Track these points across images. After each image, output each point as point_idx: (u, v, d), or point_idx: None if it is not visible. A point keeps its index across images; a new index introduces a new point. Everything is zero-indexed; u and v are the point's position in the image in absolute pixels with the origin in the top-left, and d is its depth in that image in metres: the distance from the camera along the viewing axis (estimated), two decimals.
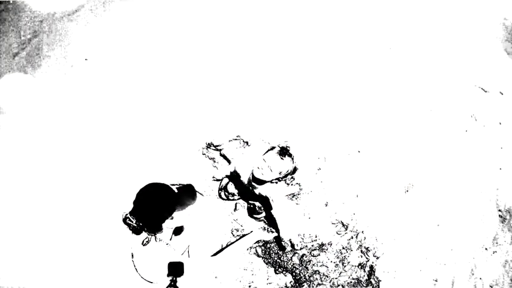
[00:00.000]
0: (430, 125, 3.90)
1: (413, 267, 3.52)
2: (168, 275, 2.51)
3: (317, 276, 3.44)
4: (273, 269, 3.50)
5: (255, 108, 3.89)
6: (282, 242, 3.42)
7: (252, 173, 2.97)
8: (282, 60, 4.11)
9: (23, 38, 4.11)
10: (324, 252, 3.48)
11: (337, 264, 3.47)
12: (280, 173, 2.89)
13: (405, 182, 3.71)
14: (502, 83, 4.09)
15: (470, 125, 3.91)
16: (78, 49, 4.11)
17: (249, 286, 3.46)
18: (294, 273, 3.46)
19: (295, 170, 2.99)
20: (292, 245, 3.43)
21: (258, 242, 3.54)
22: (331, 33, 4.24)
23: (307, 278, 3.43)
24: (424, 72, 4.11)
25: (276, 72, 4.05)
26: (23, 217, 3.62)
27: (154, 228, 2.27)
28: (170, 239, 2.58)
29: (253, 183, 3.12)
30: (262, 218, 3.51)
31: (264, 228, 3.53)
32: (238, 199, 3.57)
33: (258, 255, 3.52)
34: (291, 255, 3.48)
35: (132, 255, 2.53)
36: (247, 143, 3.70)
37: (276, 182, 3.04)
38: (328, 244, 3.49)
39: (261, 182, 3.02)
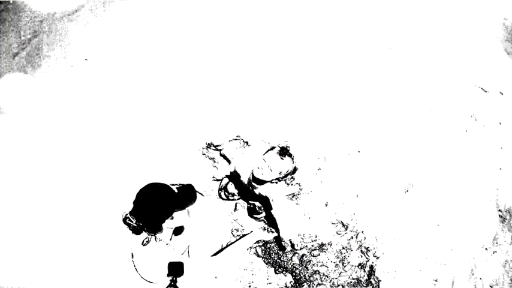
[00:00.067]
0: (430, 125, 3.90)
1: (413, 267, 3.52)
2: (168, 275, 2.52)
3: (317, 276, 3.44)
4: (273, 269, 3.51)
5: (255, 108, 3.89)
6: (282, 242, 3.42)
7: (252, 173, 2.96)
8: (282, 60, 4.11)
9: (23, 38, 4.11)
10: (324, 252, 3.48)
11: (337, 264, 3.47)
12: (280, 173, 2.88)
13: (405, 182, 3.71)
14: (502, 83, 4.09)
15: (470, 125, 3.91)
16: (78, 49, 4.11)
17: (249, 286, 3.46)
18: (294, 273, 3.47)
19: (295, 170, 2.99)
20: (292, 245, 3.43)
21: (258, 242, 3.54)
22: (331, 33, 4.24)
23: (307, 278, 3.44)
24: (424, 72, 4.11)
25: (276, 72, 4.05)
26: (23, 217, 3.62)
27: (154, 228, 2.28)
28: (170, 239, 2.58)
29: (253, 183, 3.11)
30: (262, 218, 3.51)
31: (264, 228, 3.53)
32: (238, 199, 3.57)
33: (258, 255, 3.53)
34: (291, 255, 3.48)
35: (132, 255, 2.54)
36: (247, 143, 3.70)
37: (276, 182, 3.03)
38: (328, 244, 3.49)
39: (261, 182, 3.02)
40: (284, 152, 2.85)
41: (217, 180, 3.56)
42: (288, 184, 3.45)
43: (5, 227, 3.59)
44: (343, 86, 4.02)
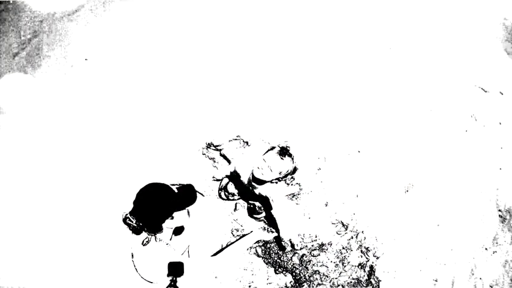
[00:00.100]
0: (430, 125, 3.90)
1: (413, 267, 3.52)
2: (168, 275, 2.52)
3: (317, 276, 3.44)
4: (273, 269, 3.51)
5: (255, 108, 3.89)
6: (282, 242, 3.43)
7: (252, 173, 2.96)
8: (282, 60, 4.11)
9: (23, 38, 4.11)
10: (324, 252, 3.48)
11: (337, 264, 3.47)
12: (280, 173, 2.88)
13: (405, 182, 3.71)
14: (502, 83, 4.09)
15: (470, 125, 3.91)
16: (78, 49, 4.11)
17: (249, 286, 3.46)
18: (294, 273, 3.47)
19: (295, 170, 2.99)
20: (292, 245, 3.43)
21: (258, 242, 3.54)
22: (331, 34, 4.24)
23: (307, 278, 3.44)
24: (424, 72, 4.11)
25: (276, 72, 4.06)
26: (23, 217, 3.62)
27: (155, 228, 2.28)
28: (170, 239, 2.58)
29: (253, 183, 3.11)
30: (262, 218, 3.51)
31: (264, 228, 3.53)
32: (238, 199, 3.57)
33: (258, 255, 3.53)
34: (291, 255, 3.48)
35: (132, 255, 2.54)
36: (247, 143, 3.70)
37: (276, 182, 3.03)
38: (328, 244, 3.49)
39: (261, 182, 3.02)
40: (284, 152, 2.85)
41: (217, 180, 3.56)
42: (288, 184, 3.45)
43: (5, 227, 3.59)
44: (343, 86, 4.02)
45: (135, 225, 2.16)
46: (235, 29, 4.21)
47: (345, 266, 3.48)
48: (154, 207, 2.20)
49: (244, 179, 3.20)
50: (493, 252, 3.61)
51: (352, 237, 3.53)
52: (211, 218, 3.39)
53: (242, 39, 4.18)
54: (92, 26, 4.17)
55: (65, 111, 3.93)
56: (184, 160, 3.73)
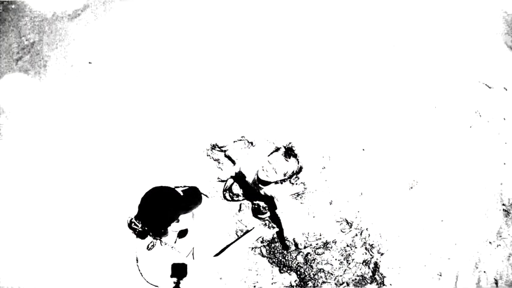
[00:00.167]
0: (435, 121, 3.90)
1: (418, 262, 3.53)
2: (171, 276, 2.51)
3: (322, 274, 3.45)
4: (277, 268, 3.51)
5: (260, 108, 3.89)
6: (286, 242, 3.43)
7: (257, 174, 2.94)
8: (287, 60, 4.11)
9: (23, 38, 4.09)
10: (328, 250, 3.49)
11: (341, 262, 3.48)
12: (285, 174, 2.86)
13: (409, 179, 3.71)
14: (506, 79, 4.08)
15: (474, 120, 3.91)
16: (78, 49, 4.09)
17: (254, 286, 3.47)
18: (298, 272, 3.47)
19: (300, 169, 2.97)
20: (296, 245, 3.43)
21: (262, 242, 3.55)
22: (334, 33, 4.23)
23: (312, 276, 3.44)
24: (427, 70, 4.10)
25: (280, 73, 4.05)
26: (25, 218, 3.62)
27: (160, 232, 2.27)
28: (175, 242, 2.57)
29: (258, 184, 3.10)
30: (267, 218, 3.51)
31: (265, 224, 3.53)
32: (242, 200, 3.57)
33: (263, 255, 3.53)
34: (295, 254, 3.49)
35: (137, 260, 2.53)
36: (251, 143, 3.70)
37: (281, 183, 3.02)
38: (333, 242, 3.49)
39: (266, 183, 3.00)
40: (289, 153, 2.83)
41: (222, 181, 3.55)
42: (292, 183, 3.44)
43: (6, 228, 3.60)
44: (347, 85, 4.02)
45: (140, 229, 2.15)
46: (240, 31, 4.20)
47: (349, 264, 3.48)
48: (160, 211, 2.18)
49: (249, 179, 3.18)
50: (497, 246, 3.62)
51: (356, 235, 3.54)
52: (215, 219, 3.40)
53: (246, 41, 4.18)
54: (92, 26, 4.15)
55: (67, 112, 3.91)
56: (189, 162, 3.73)
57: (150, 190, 2.25)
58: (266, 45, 4.17)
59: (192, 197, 2.43)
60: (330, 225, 3.53)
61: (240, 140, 3.72)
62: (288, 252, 3.49)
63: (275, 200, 3.08)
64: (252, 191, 3.32)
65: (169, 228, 2.30)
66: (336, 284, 3.44)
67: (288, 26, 4.24)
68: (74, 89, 3.99)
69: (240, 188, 3.50)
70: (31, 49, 4.07)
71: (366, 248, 3.52)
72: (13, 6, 4.12)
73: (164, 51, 4.14)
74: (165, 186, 2.28)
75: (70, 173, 3.73)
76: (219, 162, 3.74)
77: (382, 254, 3.52)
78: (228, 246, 2.96)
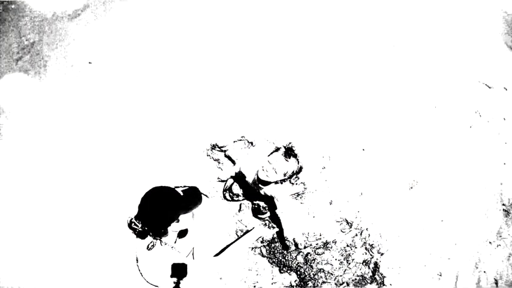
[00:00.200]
0: (435, 121, 3.90)
1: (418, 262, 3.54)
2: (171, 276, 2.51)
3: (322, 274, 3.45)
4: (277, 268, 3.51)
5: (259, 108, 3.89)
6: (286, 242, 3.43)
7: (257, 174, 2.94)
8: (287, 60, 4.11)
9: (23, 38, 4.09)
10: (328, 250, 3.49)
11: (341, 262, 3.48)
12: (285, 174, 2.86)
13: (409, 179, 3.71)
14: (506, 79, 4.08)
15: (474, 120, 3.92)
16: (78, 49, 4.09)
17: (254, 286, 3.47)
18: (298, 272, 3.47)
19: (300, 169, 2.96)
20: (296, 245, 3.43)
21: (262, 242, 3.55)
22: (334, 33, 4.23)
23: (312, 276, 3.44)
24: (427, 70, 4.10)
25: (280, 73, 4.05)
26: (25, 219, 3.62)
27: (160, 232, 2.27)
28: (175, 242, 2.57)
29: (258, 184, 3.10)
30: (267, 218, 3.51)
31: (265, 224, 3.53)
32: (242, 200, 3.57)
33: (263, 255, 3.53)
34: (295, 254, 3.49)
35: (137, 260, 2.53)
36: (251, 143, 3.70)
37: (281, 183, 3.02)
38: (333, 242, 3.50)
39: (266, 183, 3.00)
40: (289, 153, 2.82)
41: (222, 181, 3.55)
42: (292, 183, 3.44)
43: (6, 228, 3.60)
44: (347, 85, 4.02)
45: (140, 229, 2.14)
46: (240, 30, 4.21)
47: (349, 264, 3.48)
48: (160, 211, 2.18)
49: (249, 179, 3.18)
50: (497, 246, 3.62)
51: (356, 235, 3.54)
52: (215, 219, 3.40)
53: (246, 41, 4.18)
54: (92, 26, 4.15)
55: (67, 112, 3.91)
56: (189, 161, 3.73)
57: (150, 190, 2.24)
58: (266, 45, 4.17)
59: (192, 197, 2.43)
60: (330, 225, 3.53)
61: (240, 140, 3.72)
62: (288, 252, 3.49)
63: (275, 200, 3.08)
64: (252, 191, 3.32)
65: (169, 228, 2.30)
66: (336, 284, 3.45)
67: (288, 26, 4.25)
68: (74, 89, 3.99)
69: (240, 188, 3.50)
70: (31, 49, 4.07)
71: (366, 248, 3.52)
72: (13, 6, 4.12)
73: (164, 51, 4.14)
74: (165, 186, 2.28)
75: (70, 173, 3.73)
76: (219, 162, 3.74)
77: (382, 254, 3.52)
78: (228, 246, 2.96)
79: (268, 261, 3.53)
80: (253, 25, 4.24)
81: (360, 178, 3.69)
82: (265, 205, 3.43)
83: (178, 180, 3.56)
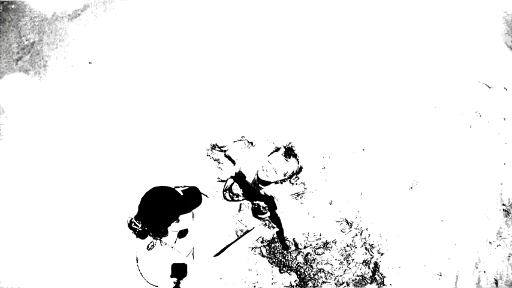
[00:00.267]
0: (435, 121, 3.90)
1: (418, 262, 3.53)
2: (171, 276, 2.51)
3: (322, 274, 3.45)
4: (277, 268, 3.51)
5: (260, 108, 3.89)
6: (286, 242, 3.43)
7: (257, 174, 2.94)
8: (286, 60, 4.11)
9: (23, 38, 4.09)
10: (328, 250, 3.49)
11: (341, 262, 3.48)
12: (285, 174, 2.86)
13: (410, 179, 3.71)
14: (506, 79, 4.09)
15: (474, 121, 3.92)
16: (78, 49, 4.09)
17: (254, 286, 3.47)
18: (298, 272, 3.47)
19: (300, 169, 2.96)
20: (296, 245, 3.44)
21: (262, 242, 3.55)
22: (334, 33, 4.24)
23: (312, 276, 3.44)
24: (427, 70, 4.11)
25: (280, 73, 4.05)
26: (25, 219, 3.62)
27: (161, 232, 2.27)
28: (175, 242, 2.57)
29: (258, 184, 3.10)
30: (267, 218, 3.51)
31: (265, 224, 3.54)
32: (242, 200, 3.57)
33: (263, 255, 3.53)
34: (295, 254, 3.49)
35: (137, 260, 2.53)
36: (251, 143, 3.70)
37: (281, 183, 3.02)
38: (333, 242, 3.50)
39: (266, 183, 3.00)
40: (289, 153, 2.82)
41: (222, 181, 3.55)
42: (292, 183, 3.44)
43: (6, 228, 3.60)
44: (347, 85, 4.02)
45: (140, 229, 2.14)
46: (240, 30, 4.21)
47: (349, 264, 3.48)
48: (161, 211, 2.18)
49: (249, 179, 3.18)
50: (497, 246, 3.62)
51: (356, 235, 3.54)
52: (215, 220, 3.40)
53: (246, 41, 4.18)
54: (92, 26, 4.15)
55: (67, 112, 3.91)
56: (189, 161, 3.73)
57: (150, 190, 2.24)
58: (266, 45, 4.17)
59: (192, 197, 2.42)
60: (330, 225, 3.53)
61: (240, 140, 3.72)
62: (288, 252, 3.49)
63: (275, 200, 3.08)
64: (252, 191, 3.32)
65: (169, 228, 2.30)
66: (336, 284, 3.45)
67: (288, 26, 4.25)
68: (74, 89, 3.99)
69: (240, 188, 3.50)
70: (31, 49, 4.07)
71: (366, 248, 3.52)
72: (13, 6, 4.12)
73: (164, 51, 4.15)
74: (165, 186, 2.28)
75: (70, 173, 3.73)
76: (219, 162, 3.74)
77: (382, 254, 3.52)
78: (228, 246, 2.95)
79: (268, 261, 3.53)
80: (253, 25, 4.24)
81: (360, 178, 3.69)
82: (265, 205, 3.43)
83: (178, 180, 3.56)
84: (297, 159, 2.88)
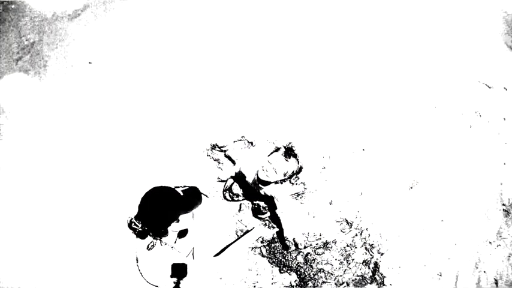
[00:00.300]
0: (435, 121, 3.90)
1: (418, 262, 3.53)
2: (171, 276, 2.51)
3: (322, 274, 3.45)
4: (277, 268, 3.51)
5: (260, 108, 3.89)
6: (286, 242, 3.43)
7: (257, 174, 2.94)
8: (286, 60, 4.11)
9: (23, 38, 4.09)
10: (328, 250, 3.49)
11: (341, 262, 3.48)
12: (285, 175, 2.86)
13: (410, 179, 3.71)
14: (506, 79, 4.08)
15: (474, 121, 3.92)
16: (78, 49, 4.09)
17: (254, 286, 3.47)
18: (298, 272, 3.47)
19: (300, 169, 2.96)
20: (296, 245, 3.43)
21: (262, 242, 3.55)
22: (334, 33, 4.24)
23: (312, 276, 3.44)
24: (427, 70, 4.10)
25: (280, 73, 4.05)
26: (25, 219, 3.62)
27: (161, 232, 2.26)
28: (175, 242, 2.57)
29: (258, 184, 3.10)
30: (267, 218, 3.51)
31: (265, 224, 3.53)
32: (242, 200, 3.57)
33: (263, 255, 3.53)
34: (295, 254, 3.49)
35: (137, 260, 2.52)
36: (251, 143, 3.70)
37: (281, 183, 3.02)
38: (333, 242, 3.50)
39: (266, 183, 3.00)
40: (289, 153, 2.82)
41: (222, 181, 3.55)
42: (292, 184, 3.44)
43: (6, 228, 3.60)
44: (347, 85, 4.02)
45: (140, 229, 2.14)
46: (240, 30, 4.21)
47: (349, 264, 3.48)
48: (161, 211, 2.18)
49: (249, 179, 3.18)
50: (497, 246, 3.62)
51: (356, 235, 3.54)
52: (215, 220, 3.39)
53: (246, 41, 4.18)
54: (92, 26, 4.15)
55: (67, 112, 3.91)
56: (189, 161, 3.73)
57: (150, 190, 2.24)
58: (266, 45, 4.17)
59: (192, 197, 2.43)
60: (330, 225, 3.53)
61: (240, 140, 3.72)
62: (288, 252, 3.49)
63: (275, 200, 3.08)
64: (252, 191, 3.32)
65: (169, 228, 2.30)
66: (336, 284, 3.44)
67: (288, 26, 4.25)
68: (74, 89, 3.99)
69: (240, 188, 3.50)
70: (31, 49, 4.07)
71: (366, 248, 3.52)
72: (13, 6, 4.12)
73: (164, 51, 4.15)
74: (165, 186, 2.27)
75: (70, 173, 3.73)
76: (219, 162, 3.74)
77: (382, 254, 3.52)
78: (228, 246, 2.95)
79: (268, 261, 3.53)
80: (253, 25, 4.24)
81: (360, 178, 3.69)
82: (265, 205, 3.43)
83: (178, 180, 3.56)
84: (297, 159, 2.87)
